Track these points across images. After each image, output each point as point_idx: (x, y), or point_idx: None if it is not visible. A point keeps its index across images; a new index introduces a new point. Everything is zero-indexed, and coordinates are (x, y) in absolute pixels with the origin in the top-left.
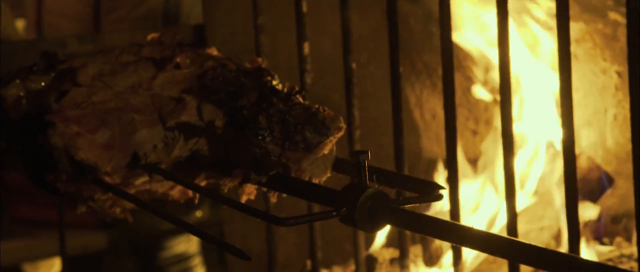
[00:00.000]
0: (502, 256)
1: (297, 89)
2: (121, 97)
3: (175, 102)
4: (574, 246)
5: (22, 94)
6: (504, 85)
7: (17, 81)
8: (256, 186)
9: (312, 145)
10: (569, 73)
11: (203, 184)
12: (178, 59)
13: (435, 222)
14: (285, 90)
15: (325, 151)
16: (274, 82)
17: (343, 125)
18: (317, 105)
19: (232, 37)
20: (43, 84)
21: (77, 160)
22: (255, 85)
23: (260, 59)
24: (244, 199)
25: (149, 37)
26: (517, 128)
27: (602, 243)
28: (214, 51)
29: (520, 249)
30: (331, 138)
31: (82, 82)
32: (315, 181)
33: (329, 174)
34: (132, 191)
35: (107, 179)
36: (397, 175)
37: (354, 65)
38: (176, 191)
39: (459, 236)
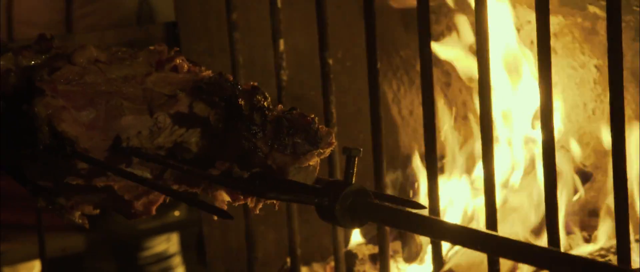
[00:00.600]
0: (481, 250)
1: (288, 109)
2: (113, 83)
3: (167, 97)
4: (554, 239)
5: (12, 67)
6: (483, 79)
7: (10, 54)
8: (227, 199)
9: (301, 152)
10: (549, 67)
11: (175, 188)
12: (178, 60)
13: (415, 217)
14: (275, 113)
15: (311, 162)
16: (265, 103)
17: (334, 142)
18: (313, 116)
19: (205, 34)
20: (34, 62)
21: (58, 131)
22: (248, 100)
23: (255, 83)
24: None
25: (147, 50)
26: (496, 121)
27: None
28: (209, 72)
29: (499, 243)
30: (320, 150)
31: (76, 62)
32: None
33: None
34: (101, 184)
35: (83, 165)
36: (381, 195)
37: (330, 61)
38: (140, 204)
39: (439, 230)
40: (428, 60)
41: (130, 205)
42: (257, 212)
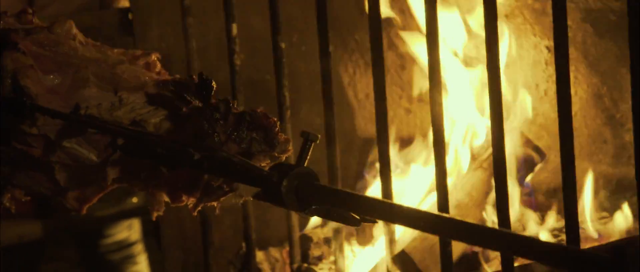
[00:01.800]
0: (432, 232)
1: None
2: (85, 59)
3: (134, 85)
4: (504, 220)
5: None
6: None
7: None
8: (165, 201)
9: (256, 150)
10: (496, 48)
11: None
12: (153, 57)
13: (364, 200)
14: (240, 109)
15: (263, 164)
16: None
17: (290, 150)
18: (276, 119)
19: (159, 19)
20: (9, 27)
21: (20, 84)
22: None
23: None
24: (154, 216)
25: (122, 50)
26: (450, 105)
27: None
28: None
29: (449, 225)
30: (275, 154)
31: (55, 31)
32: (238, 200)
33: (249, 194)
34: (45, 158)
35: (34, 131)
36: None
37: (283, 45)
38: (73, 196)
39: (387, 212)
40: (379, 44)
41: (63, 194)
42: (195, 214)
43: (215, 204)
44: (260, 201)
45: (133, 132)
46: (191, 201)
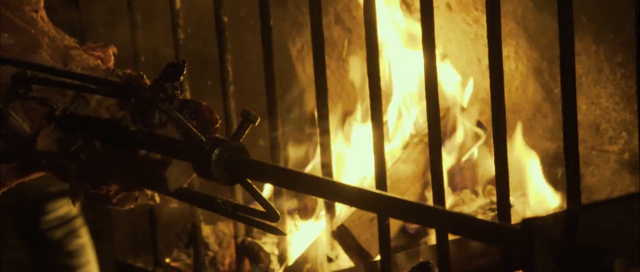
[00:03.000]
0: (369, 210)
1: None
2: (42, 31)
3: (83, 65)
4: (439, 197)
5: None
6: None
7: None
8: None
9: None
10: (431, 21)
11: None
12: (110, 51)
13: (296, 176)
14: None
15: None
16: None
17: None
18: (219, 119)
19: None
20: None
21: None
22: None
23: None
24: (74, 202)
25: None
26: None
27: (474, 193)
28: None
29: (385, 203)
30: None
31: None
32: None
33: (175, 187)
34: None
35: None
36: (244, 207)
37: (225, 18)
38: (5, 173)
39: (324, 190)
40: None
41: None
42: (115, 201)
43: (137, 194)
44: (185, 201)
45: (83, 76)
46: (113, 188)
